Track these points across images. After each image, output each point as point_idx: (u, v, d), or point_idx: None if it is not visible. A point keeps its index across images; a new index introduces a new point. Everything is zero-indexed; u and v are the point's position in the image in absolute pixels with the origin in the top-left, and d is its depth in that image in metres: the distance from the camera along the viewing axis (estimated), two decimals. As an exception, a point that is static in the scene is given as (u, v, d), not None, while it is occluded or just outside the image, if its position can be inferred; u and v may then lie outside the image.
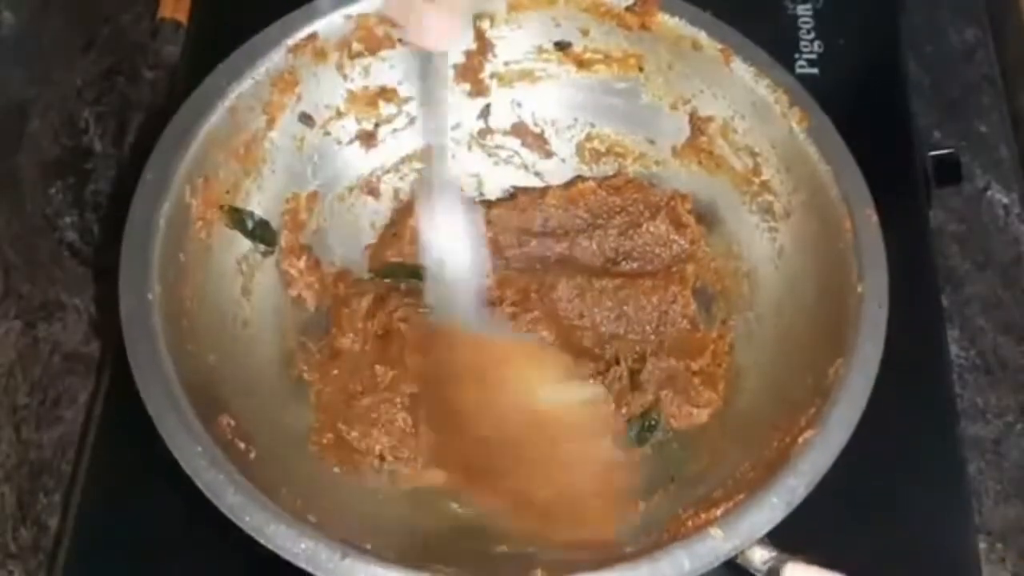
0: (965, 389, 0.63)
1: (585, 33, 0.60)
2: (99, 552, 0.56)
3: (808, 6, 0.72)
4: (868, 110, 0.66)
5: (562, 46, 0.61)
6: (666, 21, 0.58)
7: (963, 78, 0.74)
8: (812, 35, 0.71)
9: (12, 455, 0.61)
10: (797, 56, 0.70)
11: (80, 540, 0.56)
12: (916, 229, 0.64)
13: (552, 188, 0.62)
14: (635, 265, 0.61)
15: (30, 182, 0.70)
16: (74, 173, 0.71)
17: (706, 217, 0.60)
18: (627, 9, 0.58)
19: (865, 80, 0.70)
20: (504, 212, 0.61)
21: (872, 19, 0.73)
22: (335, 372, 0.56)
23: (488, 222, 0.61)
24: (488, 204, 0.62)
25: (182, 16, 0.75)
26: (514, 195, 0.63)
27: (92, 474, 0.58)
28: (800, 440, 0.47)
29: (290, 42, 0.56)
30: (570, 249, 0.61)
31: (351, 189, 0.61)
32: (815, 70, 0.69)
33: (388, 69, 0.60)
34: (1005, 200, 0.70)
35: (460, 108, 0.62)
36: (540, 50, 0.61)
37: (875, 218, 0.53)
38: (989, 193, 0.70)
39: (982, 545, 0.58)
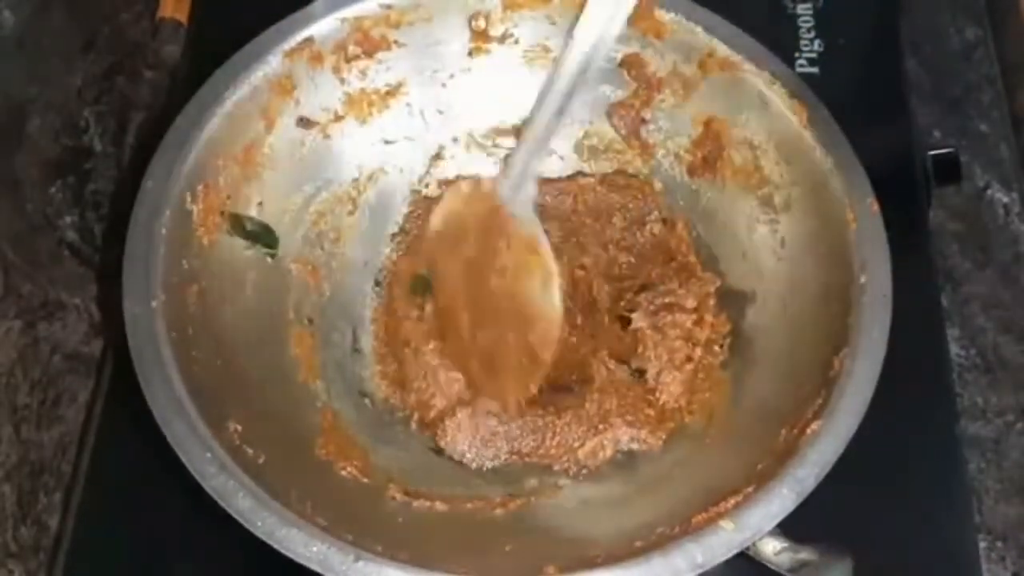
0: (965, 389, 0.63)
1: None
2: (99, 552, 0.56)
3: (808, 6, 0.72)
4: (868, 110, 0.66)
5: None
6: (663, 18, 0.58)
7: (963, 78, 0.74)
8: (812, 35, 0.71)
9: (12, 454, 0.62)
10: (797, 56, 0.70)
11: (80, 540, 0.56)
12: (916, 228, 0.65)
13: (552, 179, 0.63)
14: (635, 260, 0.61)
15: (30, 182, 0.70)
16: (74, 173, 0.71)
17: (706, 213, 0.61)
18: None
19: (865, 80, 0.70)
20: None
21: (872, 19, 0.73)
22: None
23: None
24: None
25: (182, 16, 0.75)
26: None
27: (92, 474, 0.58)
28: (808, 431, 0.47)
29: (286, 47, 0.56)
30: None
31: (350, 191, 0.61)
32: (815, 69, 0.70)
33: (385, 71, 0.60)
34: (1005, 199, 0.70)
35: (457, 108, 0.62)
36: (536, 48, 0.61)
37: (876, 208, 0.53)
38: (989, 192, 0.70)
39: (982, 544, 0.58)
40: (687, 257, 0.60)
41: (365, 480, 0.52)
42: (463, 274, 0.58)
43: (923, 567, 0.55)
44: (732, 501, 0.46)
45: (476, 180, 0.58)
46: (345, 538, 0.44)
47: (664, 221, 0.62)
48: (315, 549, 0.44)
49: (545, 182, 0.62)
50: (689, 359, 0.57)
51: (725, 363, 0.57)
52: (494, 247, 0.56)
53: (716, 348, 0.57)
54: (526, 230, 0.55)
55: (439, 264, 0.59)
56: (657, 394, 0.56)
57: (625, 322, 0.58)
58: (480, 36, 0.60)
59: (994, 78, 0.74)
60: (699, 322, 0.57)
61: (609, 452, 0.55)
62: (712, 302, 0.58)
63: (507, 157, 0.58)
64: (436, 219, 0.59)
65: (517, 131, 0.63)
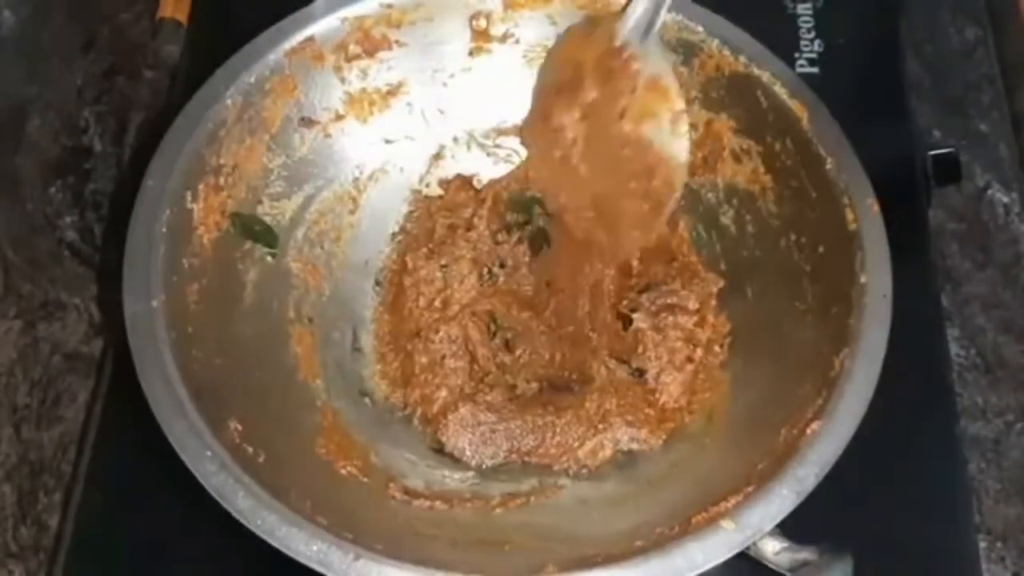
0: (965, 389, 0.63)
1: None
2: (99, 552, 0.56)
3: (808, 6, 0.72)
4: (868, 110, 0.66)
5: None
6: (665, 18, 0.58)
7: (963, 77, 0.74)
8: (812, 34, 0.71)
9: (12, 454, 0.62)
10: (797, 56, 0.70)
11: (80, 540, 0.56)
12: (916, 228, 0.65)
13: None
14: (640, 261, 0.61)
15: (30, 182, 0.70)
16: (74, 173, 0.71)
17: (706, 213, 0.61)
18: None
19: (865, 80, 0.70)
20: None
21: (872, 19, 0.73)
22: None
23: None
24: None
25: (182, 16, 0.75)
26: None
27: (92, 474, 0.58)
28: (808, 431, 0.47)
29: (287, 46, 0.57)
30: None
31: (351, 191, 0.61)
32: (815, 69, 0.70)
33: (386, 71, 0.60)
34: (1005, 199, 0.70)
35: (458, 108, 0.62)
36: (536, 48, 0.61)
37: (876, 208, 0.53)
38: (989, 192, 0.70)
39: (982, 544, 0.58)
40: (688, 257, 0.60)
41: (365, 479, 0.52)
42: (581, 119, 0.55)
43: (923, 567, 0.55)
44: (732, 501, 0.46)
45: (590, 23, 0.56)
46: (345, 537, 0.44)
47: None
48: (315, 548, 0.44)
49: None
50: (689, 360, 0.57)
51: (725, 363, 0.57)
52: (615, 90, 0.54)
53: (716, 348, 0.58)
54: (652, 69, 0.53)
55: (554, 115, 0.57)
56: (657, 394, 0.56)
57: (626, 321, 0.58)
58: (481, 36, 0.61)
59: (994, 78, 0.74)
60: (701, 323, 0.57)
61: (609, 452, 0.55)
62: (714, 303, 0.58)
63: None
64: (548, 68, 0.57)
65: (517, 129, 0.63)
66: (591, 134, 0.55)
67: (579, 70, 0.55)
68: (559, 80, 0.56)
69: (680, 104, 0.52)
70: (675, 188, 0.53)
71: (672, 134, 0.53)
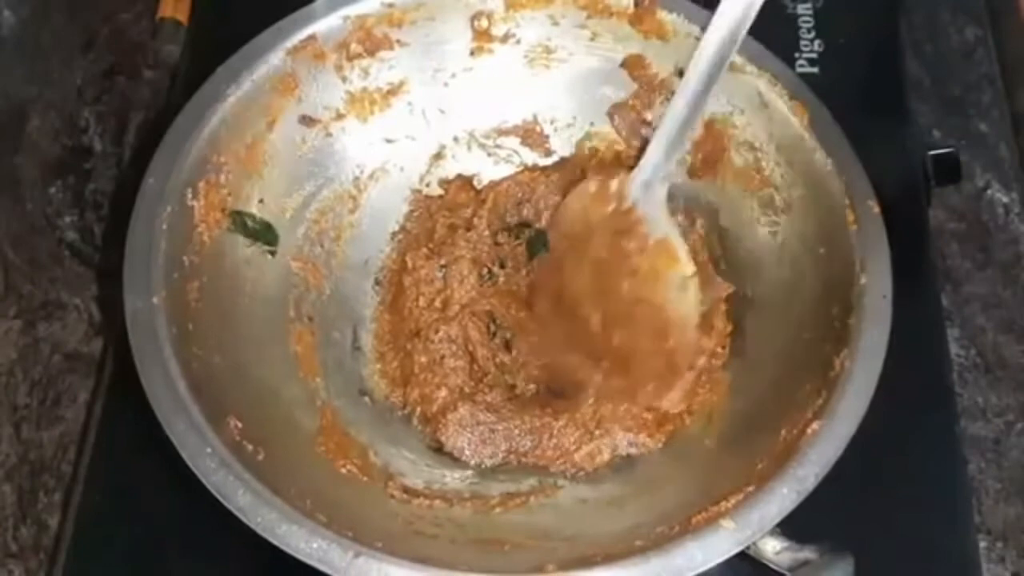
0: (965, 389, 0.63)
1: (583, 31, 0.60)
2: (99, 552, 0.56)
3: (808, 6, 0.72)
4: (868, 109, 0.66)
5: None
6: (665, 18, 0.58)
7: (963, 77, 0.74)
8: (812, 34, 0.71)
9: (12, 454, 0.62)
10: (797, 55, 0.70)
11: (80, 540, 0.56)
12: (916, 228, 0.65)
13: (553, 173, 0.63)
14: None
15: (30, 182, 0.70)
16: (74, 173, 0.71)
17: (707, 213, 0.60)
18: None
19: (865, 79, 0.70)
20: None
21: (872, 19, 0.73)
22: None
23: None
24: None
25: (182, 16, 0.75)
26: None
27: (92, 474, 0.58)
28: (808, 431, 0.47)
29: (288, 44, 0.57)
30: None
31: (351, 190, 0.61)
32: (815, 69, 0.70)
33: (387, 70, 0.60)
34: (1005, 199, 0.70)
35: (459, 107, 0.62)
36: (537, 48, 0.61)
37: (877, 209, 0.53)
38: (989, 192, 0.70)
39: (982, 544, 0.58)
40: (700, 256, 0.60)
41: (364, 478, 0.52)
42: (592, 275, 0.56)
43: (923, 567, 0.55)
44: (732, 500, 0.46)
45: (603, 180, 0.57)
46: (345, 534, 0.44)
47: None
48: (315, 545, 0.44)
49: (548, 172, 0.62)
50: (691, 368, 0.57)
51: (725, 363, 0.57)
52: (625, 249, 0.55)
53: (717, 349, 0.57)
54: (659, 232, 0.54)
55: (565, 267, 0.58)
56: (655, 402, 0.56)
57: None
58: (482, 36, 0.60)
59: (994, 78, 0.74)
60: (707, 329, 0.57)
61: (607, 456, 0.55)
62: (724, 308, 0.58)
63: (639, 156, 0.56)
64: (561, 220, 0.59)
65: (518, 130, 0.63)
66: (602, 289, 0.56)
67: (588, 227, 0.57)
68: (570, 234, 0.58)
69: (689, 268, 0.53)
70: (689, 352, 0.54)
71: (681, 297, 0.53)
